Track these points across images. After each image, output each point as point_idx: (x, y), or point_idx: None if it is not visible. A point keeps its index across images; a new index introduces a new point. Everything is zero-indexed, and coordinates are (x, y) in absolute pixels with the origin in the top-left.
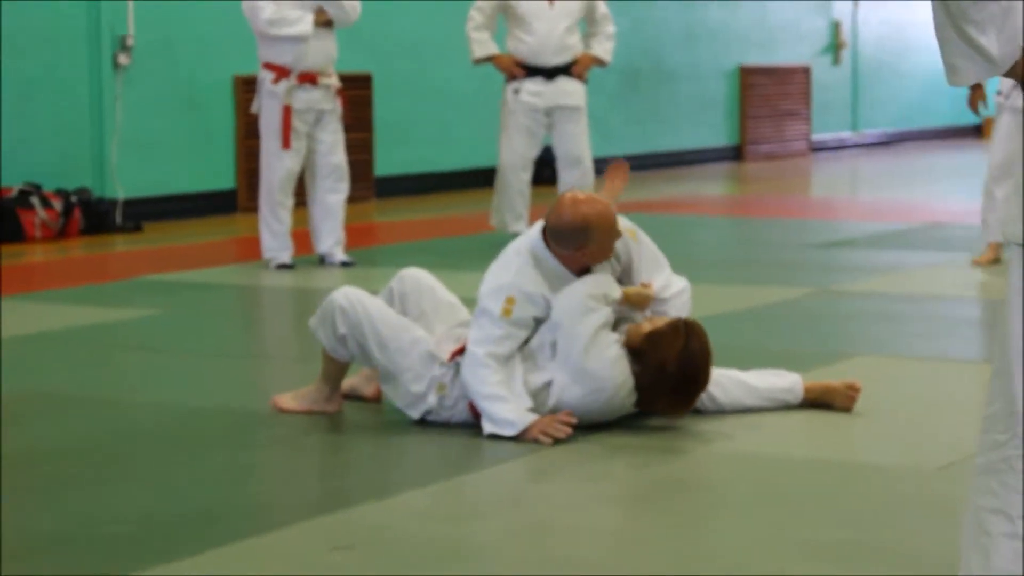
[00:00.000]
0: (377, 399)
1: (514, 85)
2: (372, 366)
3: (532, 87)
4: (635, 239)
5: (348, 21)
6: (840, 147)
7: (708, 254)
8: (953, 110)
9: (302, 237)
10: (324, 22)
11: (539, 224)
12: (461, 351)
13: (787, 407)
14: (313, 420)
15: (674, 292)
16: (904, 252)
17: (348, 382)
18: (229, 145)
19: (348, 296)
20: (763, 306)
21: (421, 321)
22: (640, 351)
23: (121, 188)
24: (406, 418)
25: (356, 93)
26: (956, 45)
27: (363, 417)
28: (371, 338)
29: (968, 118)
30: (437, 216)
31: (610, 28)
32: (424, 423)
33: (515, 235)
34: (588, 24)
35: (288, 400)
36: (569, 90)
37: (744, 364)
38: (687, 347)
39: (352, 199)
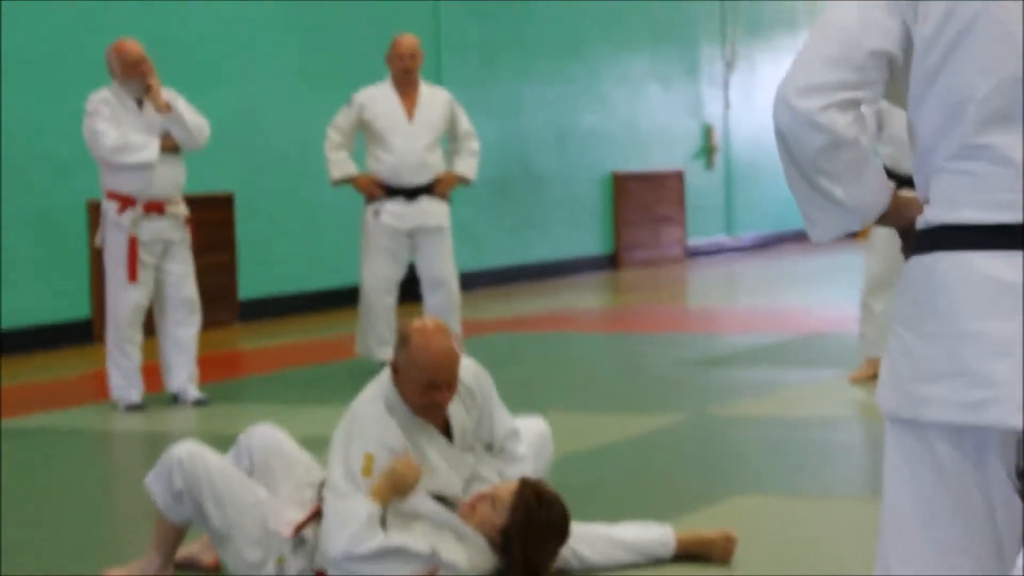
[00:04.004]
0: (216, 568)
1: (374, 206)
2: (208, 529)
3: (393, 208)
4: (484, 376)
5: (196, 145)
6: (716, 251)
7: (582, 376)
8: None
9: (153, 371)
10: (171, 147)
11: (386, 371)
12: (314, 515)
13: (659, 561)
14: None
15: (523, 452)
16: (783, 369)
17: (185, 550)
18: (84, 272)
19: (189, 450)
20: (640, 436)
21: (267, 477)
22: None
23: None
24: None
25: (217, 213)
26: (810, 197)
27: None
28: (207, 494)
29: None
30: (303, 340)
31: (474, 144)
32: None
33: (381, 362)
34: (450, 141)
35: (118, 573)
36: (431, 211)
37: (620, 505)
38: (530, 518)
39: (215, 324)
